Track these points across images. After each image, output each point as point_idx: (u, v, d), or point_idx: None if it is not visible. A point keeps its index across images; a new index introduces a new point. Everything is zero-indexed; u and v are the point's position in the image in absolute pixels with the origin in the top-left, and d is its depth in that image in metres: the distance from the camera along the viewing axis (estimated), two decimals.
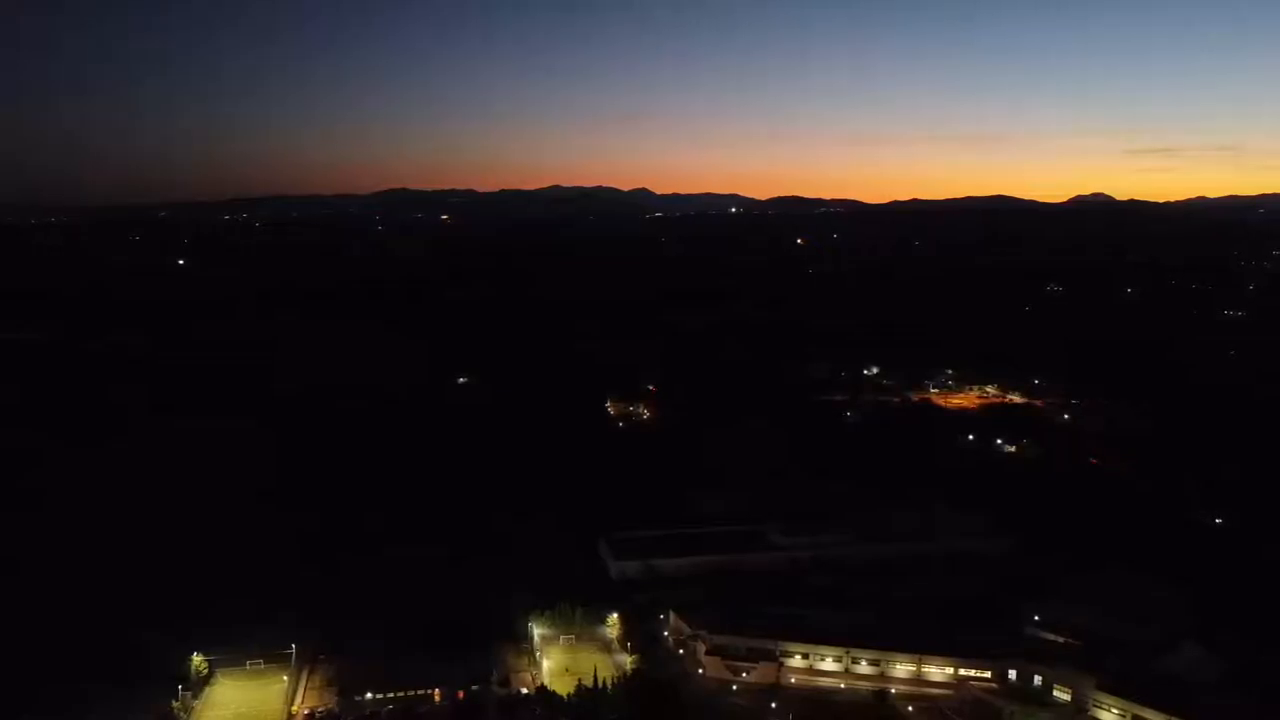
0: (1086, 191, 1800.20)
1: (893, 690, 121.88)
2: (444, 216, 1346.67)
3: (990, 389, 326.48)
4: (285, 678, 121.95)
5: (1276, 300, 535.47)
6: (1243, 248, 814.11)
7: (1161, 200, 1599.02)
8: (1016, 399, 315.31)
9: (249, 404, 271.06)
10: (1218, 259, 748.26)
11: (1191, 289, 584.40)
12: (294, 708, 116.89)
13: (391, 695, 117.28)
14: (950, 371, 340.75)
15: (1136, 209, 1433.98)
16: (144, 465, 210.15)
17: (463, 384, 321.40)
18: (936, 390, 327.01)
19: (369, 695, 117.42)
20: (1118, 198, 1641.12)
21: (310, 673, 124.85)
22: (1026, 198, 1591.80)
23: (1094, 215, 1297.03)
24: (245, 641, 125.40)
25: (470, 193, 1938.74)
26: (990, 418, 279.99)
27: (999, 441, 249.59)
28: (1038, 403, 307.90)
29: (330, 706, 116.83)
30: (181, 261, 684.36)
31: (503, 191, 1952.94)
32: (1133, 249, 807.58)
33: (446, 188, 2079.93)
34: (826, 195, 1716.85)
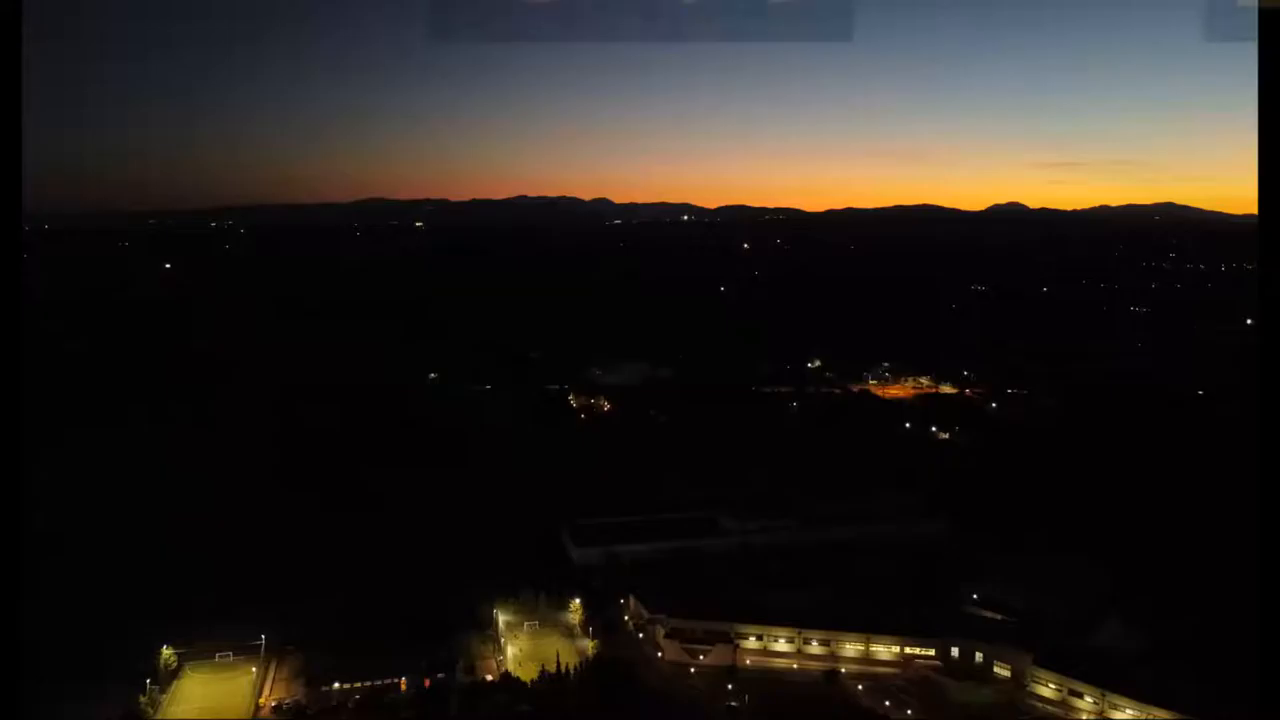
0: (1002, 200, 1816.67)
1: (843, 670, 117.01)
2: (418, 224, 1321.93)
3: (924, 380, 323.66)
4: (253, 670, 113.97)
5: (1175, 296, 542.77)
6: (1143, 250, 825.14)
7: (1069, 208, 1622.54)
8: (948, 390, 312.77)
9: (234, 404, 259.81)
10: (1123, 260, 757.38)
11: (1100, 288, 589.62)
12: (261, 699, 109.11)
13: (358, 685, 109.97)
14: (887, 364, 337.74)
15: (1047, 216, 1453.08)
16: (124, 462, 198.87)
17: (433, 379, 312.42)
18: (875, 382, 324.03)
19: (336, 686, 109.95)
20: (1030, 205, 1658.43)
21: (278, 665, 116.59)
22: (949, 206, 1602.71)
23: (1010, 221, 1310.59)
24: (213, 634, 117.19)
25: (443, 201, 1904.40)
26: (924, 407, 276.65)
27: (933, 429, 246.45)
28: (967, 393, 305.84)
29: (297, 698, 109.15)
30: (168, 266, 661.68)
31: (473, 201, 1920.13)
32: (1047, 251, 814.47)
33: (420, 197, 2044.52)
34: (770, 204, 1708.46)
